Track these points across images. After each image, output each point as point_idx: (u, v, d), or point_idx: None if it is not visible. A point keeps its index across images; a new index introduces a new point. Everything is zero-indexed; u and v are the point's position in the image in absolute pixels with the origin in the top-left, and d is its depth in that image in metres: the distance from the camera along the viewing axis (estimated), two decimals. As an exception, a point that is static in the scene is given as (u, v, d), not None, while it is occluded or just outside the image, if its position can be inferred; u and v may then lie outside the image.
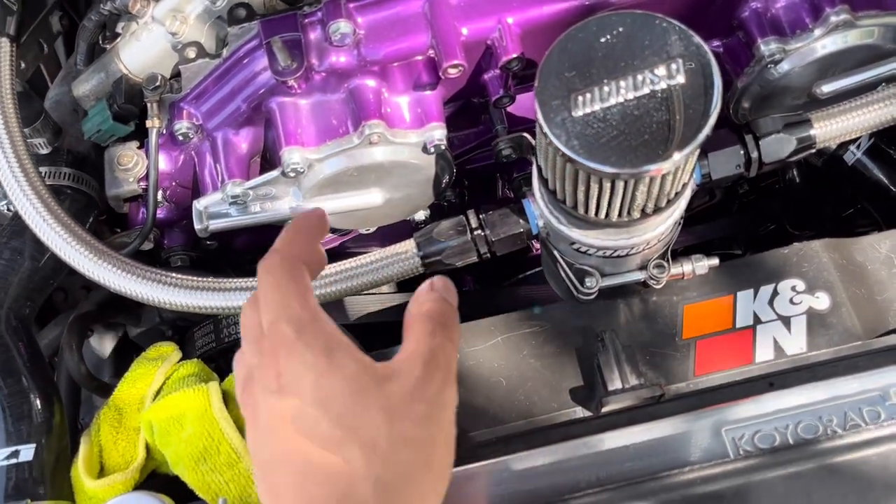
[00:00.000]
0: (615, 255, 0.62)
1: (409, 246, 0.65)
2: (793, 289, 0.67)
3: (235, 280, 0.63)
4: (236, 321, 0.84)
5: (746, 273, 0.68)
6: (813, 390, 0.60)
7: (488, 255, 0.65)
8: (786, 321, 0.66)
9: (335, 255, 0.70)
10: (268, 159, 0.70)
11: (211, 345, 0.83)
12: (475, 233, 0.64)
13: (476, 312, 0.73)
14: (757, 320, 0.66)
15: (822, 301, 0.66)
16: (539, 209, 0.62)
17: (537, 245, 0.85)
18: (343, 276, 0.63)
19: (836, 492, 0.52)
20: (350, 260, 0.64)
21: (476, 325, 0.70)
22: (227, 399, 0.65)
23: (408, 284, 0.92)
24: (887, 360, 0.61)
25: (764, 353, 0.65)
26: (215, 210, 0.68)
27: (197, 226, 0.68)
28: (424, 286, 0.53)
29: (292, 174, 0.64)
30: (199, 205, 0.67)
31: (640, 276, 0.65)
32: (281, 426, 0.45)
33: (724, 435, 0.58)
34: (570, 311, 0.69)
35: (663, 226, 0.59)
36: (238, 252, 0.87)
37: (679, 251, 0.70)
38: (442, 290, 0.52)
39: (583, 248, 0.62)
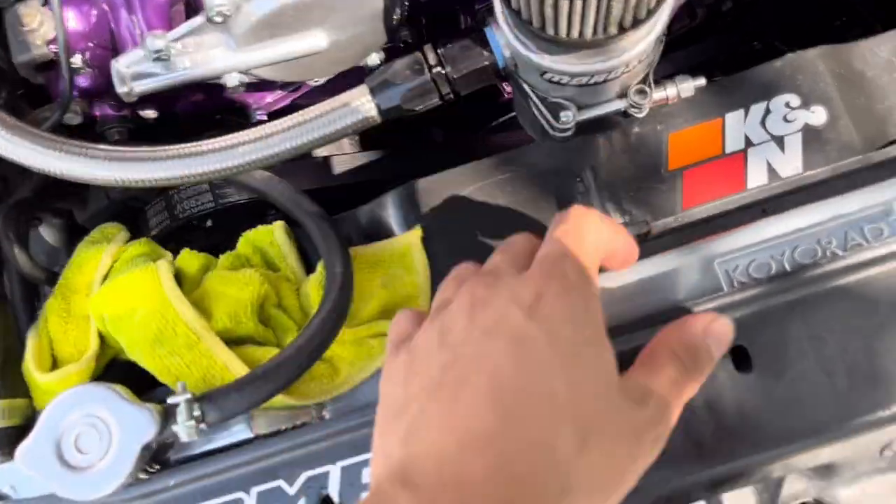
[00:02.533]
0: (592, 82, 0.55)
1: (360, 93, 0.58)
2: (787, 105, 0.61)
3: (170, 147, 0.57)
4: (190, 195, 0.78)
5: (736, 92, 0.62)
6: (810, 212, 0.55)
7: (451, 95, 0.58)
8: (779, 141, 0.61)
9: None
10: (192, 5, 0.61)
11: (165, 222, 0.78)
12: (434, 70, 0.57)
13: (448, 164, 0.67)
14: (748, 143, 0.61)
15: (818, 115, 0.61)
16: (504, 37, 0.54)
17: (508, 88, 0.78)
18: (287, 135, 0.57)
19: (837, 315, 0.49)
20: (292, 116, 0.57)
21: (446, 176, 0.64)
22: (182, 278, 0.61)
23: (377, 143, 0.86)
24: (889, 172, 0.57)
25: (757, 178, 0.60)
26: (139, 70, 0.60)
27: (120, 89, 0.60)
28: (705, 317, 0.47)
29: (219, 18, 0.55)
30: (118, 65, 0.59)
31: (620, 104, 0.59)
32: (502, 337, 0.39)
33: (716, 268, 0.54)
34: (547, 151, 0.63)
35: (643, 43, 0.52)
36: (184, 119, 0.79)
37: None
38: (716, 338, 0.46)
39: (555, 78, 0.55)
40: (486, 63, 0.57)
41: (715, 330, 0.46)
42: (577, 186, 0.61)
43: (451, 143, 0.94)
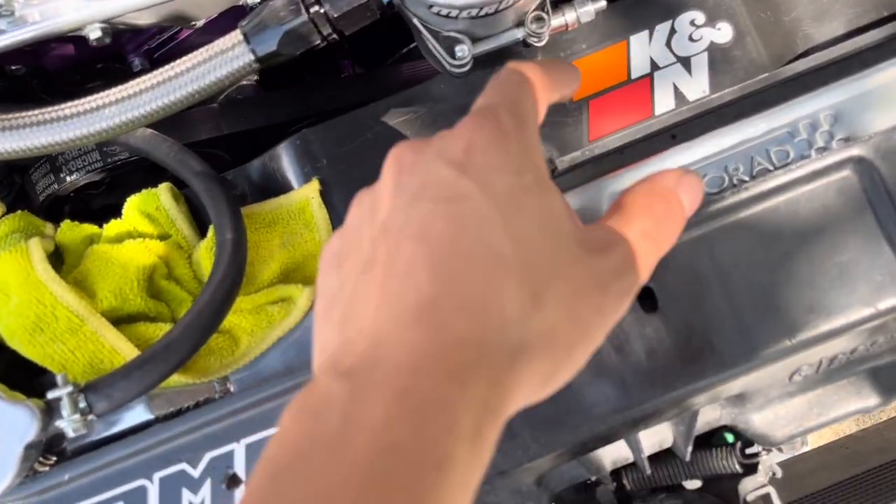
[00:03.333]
0: (482, 13, 0.51)
1: (233, 39, 0.53)
2: (692, 23, 0.58)
3: (26, 113, 0.51)
4: (76, 155, 0.73)
5: (639, 12, 0.59)
6: (715, 138, 0.54)
7: (335, 36, 0.54)
8: (685, 62, 0.58)
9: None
10: (34, -50, 0.54)
11: (52, 186, 0.72)
12: (312, 10, 0.52)
13: (359, 99, 0.63)
14: (654, 66, 0.58)
15: (724, 33, 0.58)
16: (385, -32, 0.50)
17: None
18: (155, 93, 0.52)
19: (742, 248, 0.48)
20: (160, 71, 0.52)
21: (343, 121, 0.60)
22: (65, 253, 0.56)
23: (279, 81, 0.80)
24: (794, 90, 0.55)
25: (664, 104, 0.58)
26: (-18, 27, 0.53)
27: (-38, 51, 0.54)
28: (676, 172, 0.41)
29: (62, -35, 0.49)
30: (-45, 24, 0.53)
31: (518, 34, 0.55)
32: (433, 200, 0.34)
33: (624, 204, 0.52)
34: (447, 87, 0.59)
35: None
36: (55, 75, 0.73)
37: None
38: (688, 191, 0.40)
39: (444, 11, 0.52)
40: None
41: (687, 182, 0.41)
42: (479, 125, 0.57)
43: (363, 77, 0.89)
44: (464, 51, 0.55)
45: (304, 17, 0.52)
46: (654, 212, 0.39)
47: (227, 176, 0.62)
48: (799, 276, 0.47)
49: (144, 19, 0.58)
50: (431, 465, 0.29)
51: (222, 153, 0.86)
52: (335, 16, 0.52)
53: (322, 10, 0.52)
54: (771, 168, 0.51)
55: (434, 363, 0.31)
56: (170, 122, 0.67)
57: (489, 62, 0.59)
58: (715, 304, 0.47)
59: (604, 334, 0.37)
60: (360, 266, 0.35)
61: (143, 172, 0.73)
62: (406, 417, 0.30)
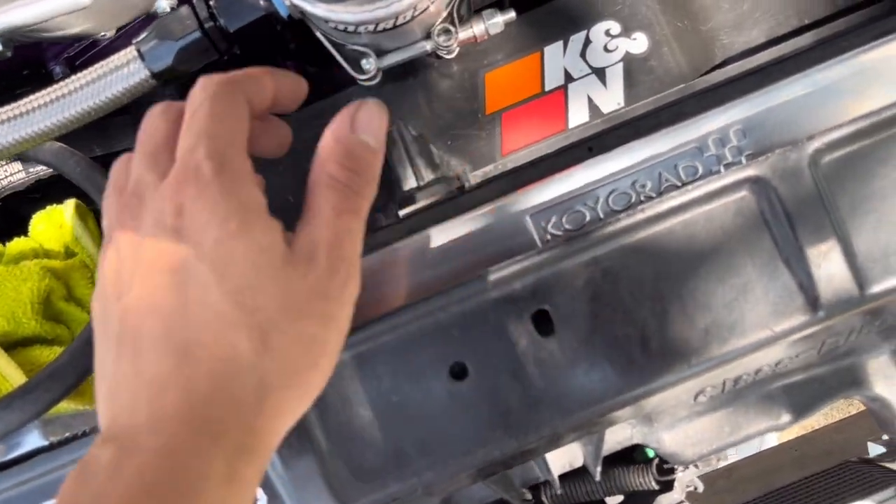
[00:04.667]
0: (381, 28, 0.50)
1: (129, 55, 0.51)
2: (607, 33, 0.57)
3: None
4: (-1, 165, 0.71)
5: (553, 22, 0.57)
6: (627, 152, 0.52)
7: (232, 51, 0.52)
8: (601, 73, 0.57)
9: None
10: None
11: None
12: (207, 25, 0.51)
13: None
14: (568, 78, 0.57)
15: (640, 43, 0.57)
16: (279, -17, 0.48)
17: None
18: (48, 111, 0.50)
19: (639, 268, 0.47)
20: (53, 88, 0.51)
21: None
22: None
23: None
24: (707, 102, 0.54)
25: (578, 116, 0.57)
26: None
27: None
28: (344, 115, 0.44)
29: (-57, -19, 0.48)
30: None
31: (425, 46, 0.54)
32: (160, 273, 0.38)
33: (529, 222, 0.51)
34: (352, 97, 0.58)
35: (431, -18, 0.47)
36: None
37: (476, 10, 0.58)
38: (363, 130, 0.44)
39: (342, 27, 0.50)
40: (264, 13, 0.51)
41: (362, 119, 0.44)
42: (389, 139, 0.56)
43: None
44: (370, 63, 0.54)
45: (198, 32, 0.50)
46: (339, 180, 0.42)
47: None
48: (696, 297, 0.46)
49: (49, 32, 0.57)
50: None
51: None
52: (231, 31, 0.51)
53: (217, 25, 0.51)
54: (678, 184, 0.50)
55: (185, 422, 0.36)
56: (96, 129, 0.66)
57: (402, 74, 0.58)
58: (612, 326, 0.46)
59: (343, 332, 0.42)
60: (114, 342, 0.39)
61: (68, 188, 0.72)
62: (162, 469, 0.35)
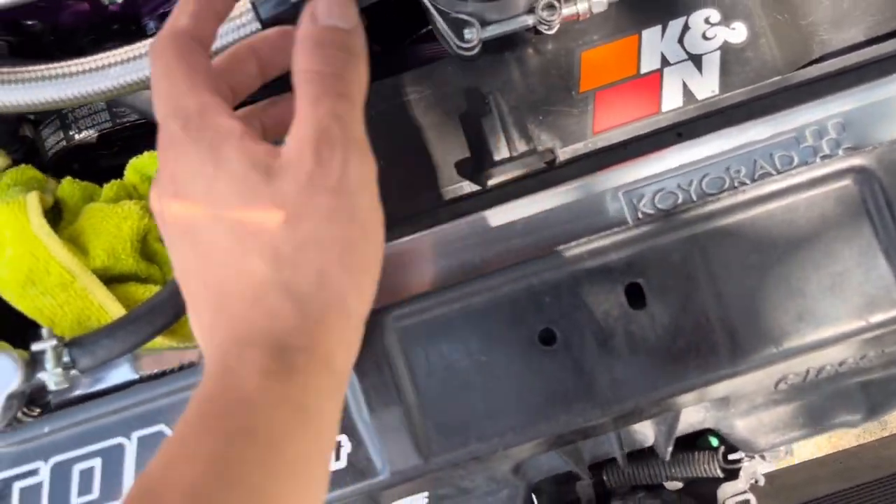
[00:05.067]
0: (491, -3, 0.51)
1: (243, 6, 0.52)
2: (706, 21, 0.57)
3: (25, 69, 0.51)
4: (85, 113, 0.73)
5: (653, 6, 0.58)
6: (720, 138, 0.53)
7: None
8: (697, 60, 0.57)
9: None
10: None
11: (61, 143, 0.73)
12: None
13: (373, 78, 0.62)
14: (665, 62, 0.57)
15: (738, 33, 0.57)
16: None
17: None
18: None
19: (734, 250, 0.47)
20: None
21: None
22: (64, 209, 0.57)
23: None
24: (804, 95, 0.54)
25: (672, 101, 0.57)
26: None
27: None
28: (303, 18, 0.42)
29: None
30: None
31: (528, 20, 0.55)
32: (181, 237, 0.41)
33: (621, 198, 0.52)
34: (455, 70, 0.59)
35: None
36: (70, 33, 0.73)
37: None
38: (326, 17, 0.42)
39: (451, -8, 0.51)
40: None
41: (322, 7, 0.42)
42: (483, 109, 0.57)
43: (379, 54, 0.88)
44: (472, 33, 0.54)
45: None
46: (313, 70, 0.40)
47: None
48: (791, 283, 0.47)
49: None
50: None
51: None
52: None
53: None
54: (773, 173, 0.51)
55: (235, 343, 0.39)
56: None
57: (498, 47, 0.58)
58: (704, 305, 0.47)
59: (370, 219, 0.41)
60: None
61: (154, 135, 0.74)
62: (218, 387, 0.38)
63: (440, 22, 0.55)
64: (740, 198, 0.49)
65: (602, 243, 0.48)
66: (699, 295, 0.47)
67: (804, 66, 0.57)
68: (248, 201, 0.38)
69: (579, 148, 0.57)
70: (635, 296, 0.47)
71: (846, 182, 0.46)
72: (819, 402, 0.53)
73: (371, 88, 0.59)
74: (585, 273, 0.48)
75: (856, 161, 0.46)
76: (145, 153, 0.59)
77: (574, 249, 0.48)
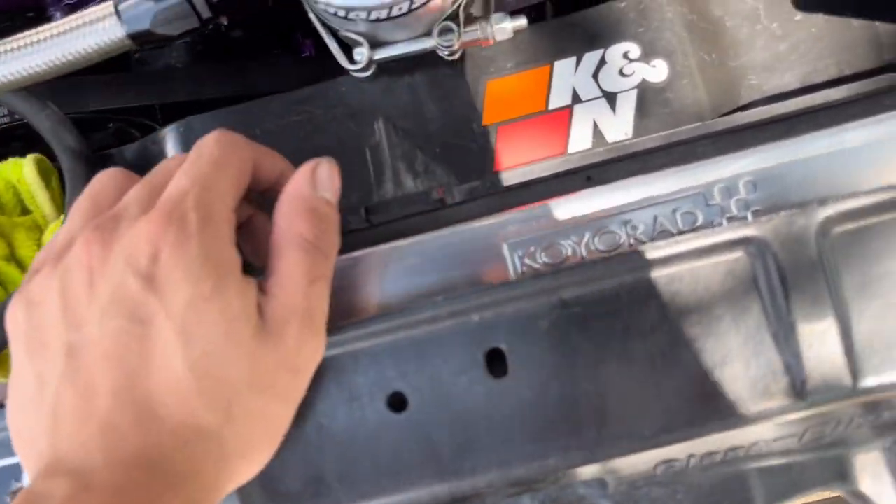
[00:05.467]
0: (373, 17, 0.46)
1: (105, 10, 0.48)
2: (625, 55, 0.52)
3: None
4: None
5: (569, 36, 0.53)
6: (623, 189, 0.48)
7: (214, 20, 0.49)
8: (611, 98, 0.52)
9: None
10: None
11: None
12: (190, -11, 0.47)
13: (298, 85, 0.58)
14: (576, 98, 0.52)
15: (659, 71, 0.52)
16: (272, -46, 0.45)
17: None
18: (14, 55, 0.47)
19: (609, 320, 0.42)
20: (24, 34, 0.48)
21: (234, 112, 0.55)
22: None
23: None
24: (722, 146, 0.49)
25: (580, 141, 0.52)
26: None
27: None
28: (303, 173, 0.43)
29: None
30: None
31: (424, 44, 0.50)
32: (123, 319, 0.37)
33: (505, 250, 0.47)
34: (349, 89, 0.54)
35: (432, -26, 0.43)
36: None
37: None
38: (324, 187, 0.43)
39: (332, 10, 0.46)
40: (254, -16, 0.47)
41: (322, 176, 0.43)
42: (375, 135, 0.52)
43: (310, 61, 0.84)
44: (362, 55, 0.50)
45: (180, -5, 0.47)
46: (309, 240, 0.40)
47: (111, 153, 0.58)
48: (669, 361, 0.42)
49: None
50: None
51: (153, 122, 0.82)
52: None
53: (201, -9, 0.47)
54: (673, 232, 0.46)
55: (144, 469, 0.35)
56: (70, 87, 0.64)
57: (399, 69, 0.54)
58: (572, 378, 0.42)
59: (300, 401, 0.41)
60: (61, 371, 0.37)
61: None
62: None
63: (327, 40, 0.50)
64: (635, 259, 0.44)
65: (468, 302, 0.43)
66: (567, 367, 0.42)
67: (728, 113, 0.52)
68: (229, 347, 0.37)
69: (476, 187, 0.52)
70: (497, 362, 0.42)
71: (739, 254, 0.41)
72: (708, 487, 0.48)
73: (258, 104, 0.55)
74: (445, 334, 0.43)
75: (750, 231, 0.41)
76: (10, 159, 0.54)
77: (437, 306, 0.44)
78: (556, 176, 0.52)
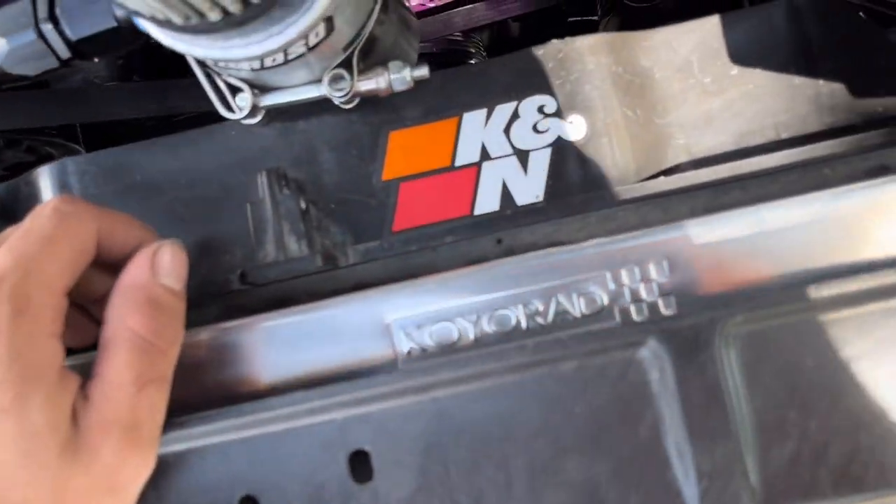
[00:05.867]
0: (254, 68, 0.41)
1: (-46, 46, 0.43)
2: (540, 109, 0.48)
3: None
4: None
5: (480, 85, 0.48)
6: (524, 262, 0.43)
7: (76, 60, 0.44)
8: (523, 157, 0.47)
9: None
10: None
11: None
12: (44, 27, 0.42)
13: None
14: (485, 155, 0.48)
15: (576, 127, 0.47)
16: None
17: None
18: None
19: (486, 426, 0.38)
20: None
21: (119, 155, 0.50)
22: None
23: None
24: (640, 215, 0.45)
25: (487, 203, 0.47)
26: None
27: None
28: (142, 258, 0.38)
29: None
30: None
31: (314, 92, 0.45)
32: None
33: (393, 328, 0.43)
34: (239, 135, 0.49)
35: (305, 19, 0.38)
36: None
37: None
38: (166, 273, 0.38)
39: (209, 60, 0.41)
40: (117, 25, 0.42)
41: (164, 260, 0.39)
42: (262, 187, 0.48)
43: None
44: (245, 101, 0.45)
45: (33, 34, 0.42)
46: (143, 336, 0.36)
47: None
48: (548, 473, 0.37)
49: None
50: None
51: (77, 145, 0.77)
52: (74, 39, 0.42)
53: (58, 29, 0.42)
54: (575, 315, 0.41)
55: None
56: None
57: (293, 115, 0.49)
58: (443, 488, 0.38)
59: None
60: None
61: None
62: None
63: (206, 86, 0.45)
64: (527, 342, 0.40)
65: (332, 396, 0.39)
66: (438, 475, 0.38)
67: (652, 177, 0.48)
68: (28, 470, 0.32)
69: (373, 248, 0.48)
70: (361, 466, 0.38)
71: (634, 357, 0.37)
72: None
73: (142, 146, 0.50)
74: (305, 431, 0.38)
75: (650, 333, 0.37)
76: None
77: (297, 398, 0.39)
78: (461, 239, 0.47)
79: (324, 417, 0.38)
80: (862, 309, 0.35)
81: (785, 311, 0.36)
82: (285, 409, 0.38)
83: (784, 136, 0.48)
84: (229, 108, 0.45)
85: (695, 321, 0.36)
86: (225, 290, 0.47)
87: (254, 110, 0.46)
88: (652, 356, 0.36)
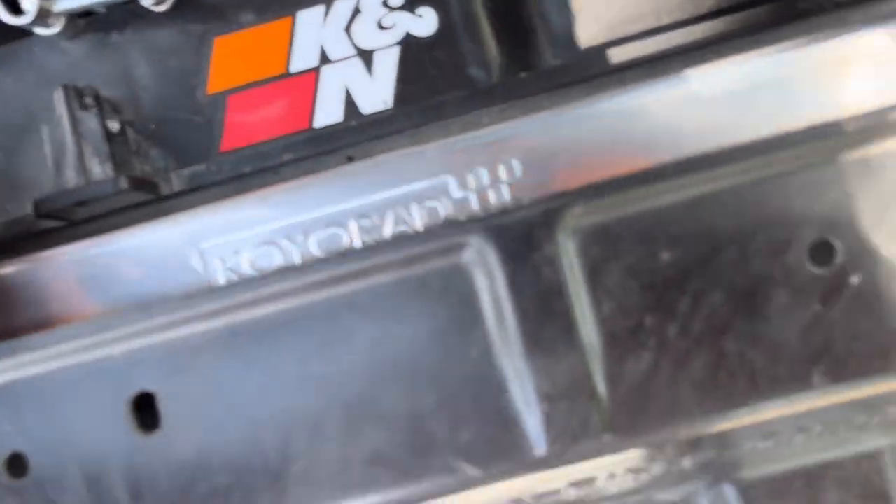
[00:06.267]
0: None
1: None
2: (385, 3, 0.41)
3: None
4: None
5: (315, -22, 0.42)
6: (356, 174, 0.37)
7: None
8: (367, 58, 0.41)
9: None
10: None
11: None
12: None
13: None
14: (324, 59, 0.41)
15: (426, 22, 0.41)
16: None
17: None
18: None
19: (299, 343, 0.32)
20: None
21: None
22: None
23: None
24: (492, 116, 0.39)
25: (329, 114, 0.41)
26: None
27: None
28: None
29: None
30: None
31: (113, -10, 0.39)
32: None
33: (203, 255, 0.37)
34: (42, 51, 0.43)
35: None
36: None
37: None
38: None
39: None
40: None
41: None
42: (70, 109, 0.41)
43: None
44: (33, 4, 0.39)
45: None
46: None
47: None
48: (374, 408, 0.31)
49: None
50: None
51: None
52: None
53: None
54: (411, 232, 0.35)
55: None
56: None
57: (107, 26, 0.42)
58: (249, 425, 0.31)
59: None
60: None
61: None
62: None
63: (-16, -14, 0.39)
64: (353, 265, 0.34)
65: (110, 329, 0.33)
66: (238, 417, 0.31)
67: (516, 74, 0.41)
68: None
69: (200, 172, 0.41)
70: (147, 411, 0.32)
71: (457, 263, 0.31)
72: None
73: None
74: (81, 372, 0.32)
75: (468, 229, 0.30)
76: None
77: (74, 333, 0.33)
78: (299, 158, 0.41)
79: (99, 353, 0.32)
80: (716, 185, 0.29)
81: (633, 197, 0.29)
82: (52, 349, 0.32)
83: (665, 21, 0.42)
84: (16, 10, 0.39)
85: (526, 214, 0.30)
86: (31, 226, 0.41)
87: (48, 16, 0.40)
88: (477, 258, 0.30)
